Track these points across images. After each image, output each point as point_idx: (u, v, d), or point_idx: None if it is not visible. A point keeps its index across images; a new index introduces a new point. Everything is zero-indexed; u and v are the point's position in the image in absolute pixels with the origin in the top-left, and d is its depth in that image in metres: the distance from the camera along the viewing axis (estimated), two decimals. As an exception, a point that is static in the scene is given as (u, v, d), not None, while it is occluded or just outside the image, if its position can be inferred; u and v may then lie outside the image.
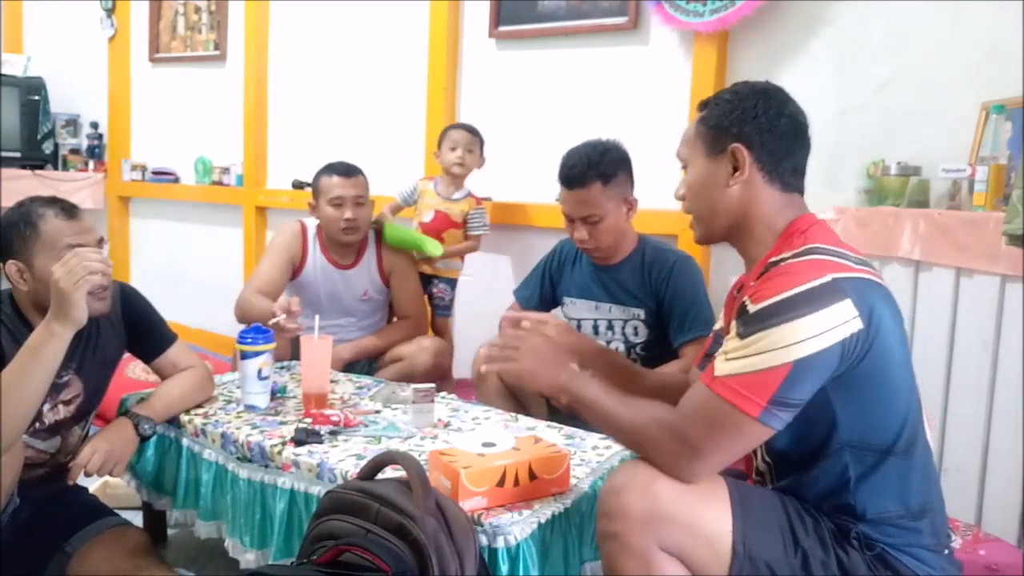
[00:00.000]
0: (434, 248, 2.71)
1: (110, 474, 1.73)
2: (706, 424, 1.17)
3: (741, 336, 1.16)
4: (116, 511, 1.82)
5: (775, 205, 1.30)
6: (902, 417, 1.22)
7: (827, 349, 1.12)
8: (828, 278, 1.14)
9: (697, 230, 1.39)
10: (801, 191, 1.34)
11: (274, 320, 2.12)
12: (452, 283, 2.93)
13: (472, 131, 2.85)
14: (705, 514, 1.19)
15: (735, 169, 1.29)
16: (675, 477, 1.20)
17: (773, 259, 1.24)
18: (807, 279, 1.15)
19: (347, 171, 2.54)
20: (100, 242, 1.68)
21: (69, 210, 1.67)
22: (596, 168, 2.05)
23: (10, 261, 1.63)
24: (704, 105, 1.37)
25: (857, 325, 1.13)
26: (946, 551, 1.26)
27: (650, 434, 1.22)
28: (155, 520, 2.08)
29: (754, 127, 1.28)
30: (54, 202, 1.67)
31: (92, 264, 1.53)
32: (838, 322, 1.12)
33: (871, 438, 1.20)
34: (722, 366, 1.17)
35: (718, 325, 1.54)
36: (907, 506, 1.21)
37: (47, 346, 1.53)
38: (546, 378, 1.40)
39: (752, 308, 1.17)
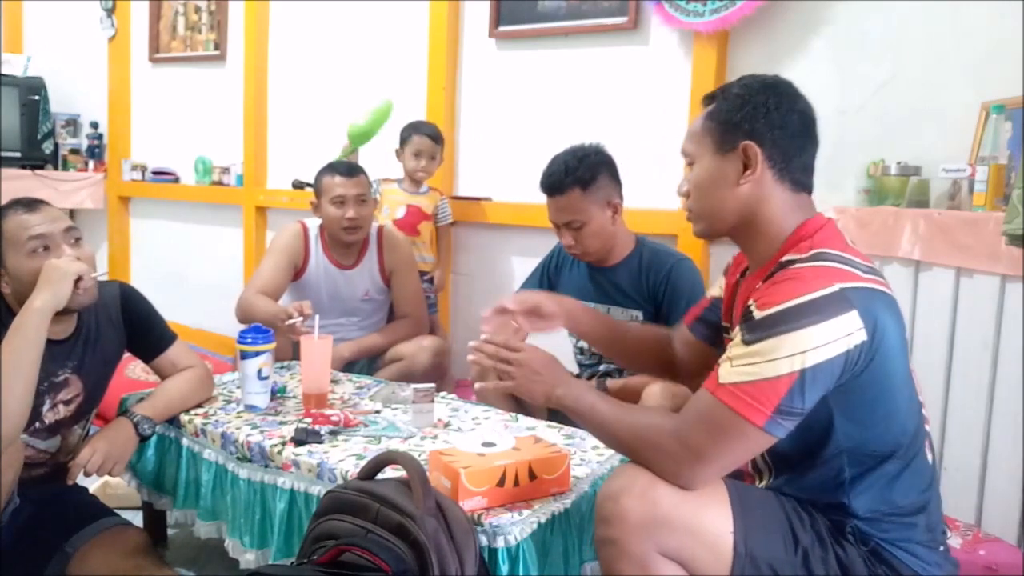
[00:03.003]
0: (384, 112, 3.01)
1: (109, 474, 1.73)
2: (710, 430, 1.15)
3: (747, 343, 1.14)
4: (116, 511, 1.81)
5: (785, 205, 1.26)
6: (901, 427, 1.21)
7: (832, 359, 1.11)
8: (836, 288, 1.12)
9: (699, 226, 1.34)
10: (810, 190, 1.29)
11: (291, 321, 2.13)
12: (428, 278, 3.04)
13: (435, 138, 2.99)
14: (706, 516, 1.18)
15: (746, 167, 1.24)
16: (677, 483, 1.18)
17: (783, 260, 1.22)
18: (814, 288, 1.12)
19: (349, 171, 2.55)
20: (69, 230, 1.68)
21: (29, 204, 1.68)
22: (574, 174, 2.07)
23: None
24: (711, 99, 1.30)
25: (861, 336, 1.12)
26: (941, 548, 1.26)
27: (651, 440, 1.20)
28: (155, 520, 2.08)
29: (766, 124, 1.23)
30: (15, 202, 1.69)
31: (82, 263, 1.65)
32: (843, 333, 1.11)
33: (869, 446, 1.20)
34: (727, 373, 1.15)
35: (712, 292, 1.54)
36: (901, 504, 1.21)
37: (29, 322, 1.55)
38: (540, 392, 1.38)
39: (758, 314, 1.14)
